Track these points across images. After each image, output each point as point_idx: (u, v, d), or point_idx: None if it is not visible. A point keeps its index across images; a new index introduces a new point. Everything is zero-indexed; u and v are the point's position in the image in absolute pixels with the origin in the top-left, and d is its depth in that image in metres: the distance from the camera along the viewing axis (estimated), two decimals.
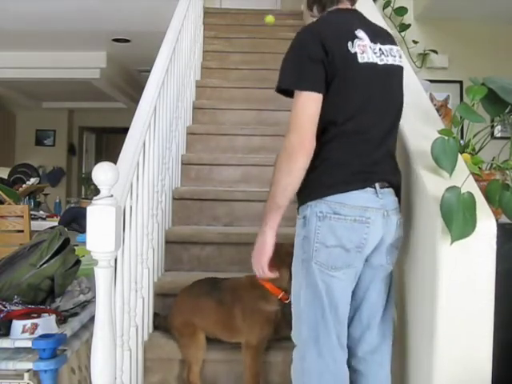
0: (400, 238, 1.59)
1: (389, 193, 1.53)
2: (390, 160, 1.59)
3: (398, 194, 1.58)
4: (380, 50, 1.55)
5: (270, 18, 4.28)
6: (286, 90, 1.53)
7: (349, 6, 1.63)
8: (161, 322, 2.26)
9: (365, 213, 1.47)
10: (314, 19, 1.66)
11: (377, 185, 1.50)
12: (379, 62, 1.53)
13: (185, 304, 2.15)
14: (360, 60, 1.49)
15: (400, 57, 1.62)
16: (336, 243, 1.47)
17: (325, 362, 1.51)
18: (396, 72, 1.60)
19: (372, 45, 1.54)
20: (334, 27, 1.52)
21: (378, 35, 1.59)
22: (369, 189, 1.49)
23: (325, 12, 1.63)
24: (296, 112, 1.47)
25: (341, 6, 1.62)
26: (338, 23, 1.55)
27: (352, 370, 1.61)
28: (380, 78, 1.53)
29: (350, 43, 1.49)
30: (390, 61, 1.56)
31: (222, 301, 2.09)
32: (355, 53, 1.49)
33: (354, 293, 1.56)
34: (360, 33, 1.52)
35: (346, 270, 1.50)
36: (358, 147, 1.50)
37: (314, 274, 1.49)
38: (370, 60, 1.51)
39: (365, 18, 1.64)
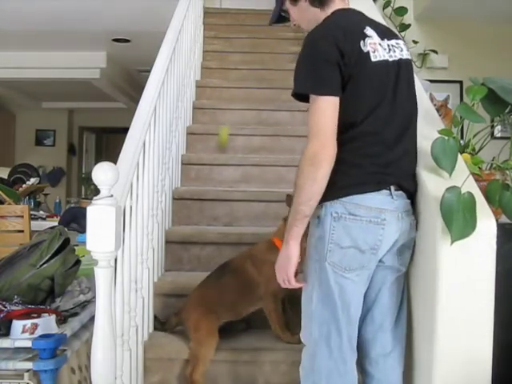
0: (413, 238, 1.57)
1: (401, 196, 1.52)
2: (408, 160, 1.56)
3: (411, 197, 1.56)
4: (388, 45, 1.54)
5: (224, 135, 3.41)
6: (302, 94, 1.50)
7: (348, 6, 1.63)
8: (172, 320, 2.23)
9: (380, 214, 1.46)
10: (310, 17, 1.63)
11: (392, 187, 1.48)
12: (389, 59, 1.52)
13: (202, 297, 2.16)
14: (373, 59, 1.48)
15: (407, 50, 1.61)
16: (351, 244, 1.46)
17: (335, 363, 1.50)
18: (405, 66, 1.58)
19: (381, 41, 1.52)
20: (344, 28, 1.50)
21: (383, 31, 1.58)
22: (384, 191, 1.48)
23: (325, 11, 1.60)
24: (314, 117, 1.44)
25: (341, 4, 1.61)
26: (347, 23, 1.53)
27: (364, 372, 1.61)
28: (391, 76, 1.52)
29: (362, 42, 1.48)
30: (398, 55, 1.55)
31: (236, 270, 2.16)
32: (367, 52, 1.48)
33: (365, 294, 1.55)
34: (368, 30, 1.51)
35: (360, 271, 1.48)
36: (371, 148, 1.48)
37: (327, 274, 1.48)
38: (382, 58, 1.50)
39: (366, 16, 1.63)
